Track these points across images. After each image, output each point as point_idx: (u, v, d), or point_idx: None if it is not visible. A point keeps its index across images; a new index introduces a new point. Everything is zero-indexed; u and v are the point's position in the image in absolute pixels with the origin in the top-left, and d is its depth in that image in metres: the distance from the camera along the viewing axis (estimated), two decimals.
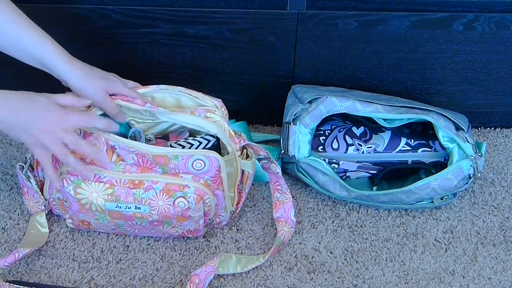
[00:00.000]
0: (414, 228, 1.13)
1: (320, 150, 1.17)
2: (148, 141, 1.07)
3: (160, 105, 1.05)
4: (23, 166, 1.07)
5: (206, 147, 1.07)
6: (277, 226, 1.11)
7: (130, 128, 1.07)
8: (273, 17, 1.15)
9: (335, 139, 1.17)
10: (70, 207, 1.03)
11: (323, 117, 1.12)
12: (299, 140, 1.13)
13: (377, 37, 1.18)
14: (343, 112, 1.11)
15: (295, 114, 1.13)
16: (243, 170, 1.08)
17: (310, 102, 1.13)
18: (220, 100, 1.07)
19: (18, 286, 0.99)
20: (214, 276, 1.03)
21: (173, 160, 1.00)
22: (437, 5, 1.14)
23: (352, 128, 1.18)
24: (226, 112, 1.07)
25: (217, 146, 1.07)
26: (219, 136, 1.04)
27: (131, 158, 1.01)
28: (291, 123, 1.13)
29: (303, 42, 1.18)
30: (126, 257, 1.08)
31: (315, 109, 1.11)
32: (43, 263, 1.06)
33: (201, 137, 1.07)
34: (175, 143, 1.08)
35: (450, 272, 1.07)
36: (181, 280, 1.04)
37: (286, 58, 1.20)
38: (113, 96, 1.03)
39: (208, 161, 1.00)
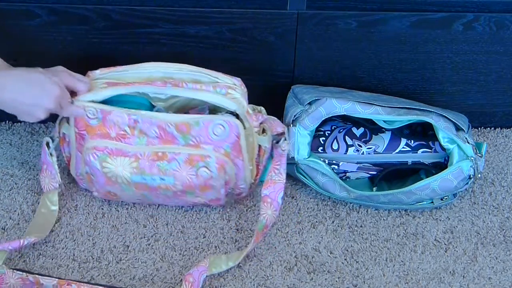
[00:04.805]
0: (414, 228, 1.13)
1: (320, 151, 1.17)
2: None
3: (182, 81, 1.07)
4: (49, 143, 1.10)
5: None
6: (261, 207, 1.08)
7: (153, 107, 1.09)
8: (273, 17, 1.15)
9: (335, 140, 1.17)
10: (97, 180, 1.08)
11: (323, 119, 1.12)
12: (299, 141, 1.13)
13: (377, 37, 1.17)
14: (343, 114, 1.11)
15: (294, 116, 1.13)
16: (260, 145, 1.10)
17: (310, 103, 1.13)
18: (239, 79, 1.09)
19: (21, 273, 1.01)
20: (207, 276, 1.03)
21: (195, 126, 1.03)
22: (437, 5, 1.14)
23: (352, 128, 1.18)
24: (245, 90, 1.09)
25: None
26: (238, 113, 1.06)
27: (153, 131, 1.04)
28: (291, 125, 1.13)
29: (303, 42, 1.18)
30: (126, 257, 1.08)
31: (315, 111, 1.11)
32: (43, 263, 1.06)
33: (221, 115, 1.08)
34: None
35: (450, 272, 1.07)
36: (181, 280, 1.04)
37: (286, 58, 1.20)
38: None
39: (228, 125, 1.04)
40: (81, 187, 1.17)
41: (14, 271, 1.01)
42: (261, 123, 1.09)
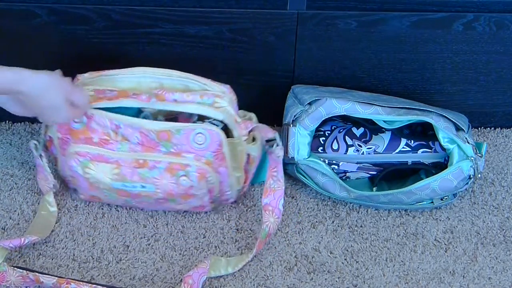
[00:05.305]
0: (414, 228, 1.14)
1: (320, 151, 1.17)
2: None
3: (168, 91, 1.06)
4: (37, 145, 1.10)
5: None
6: (263, 215, 1.09)
7: (142, 112, 1.08)
8: (273, 17, 1.15)
9: (335, 140, 1.17)
10: (80, 185, 1.08)
11: (323, 119, 1.12)
12: (299, 142, 1.13)
13: (377, 37, 1.17)
14: (343, 114, 1.11)
15: (294, 116, 1.13)
16: (248, 153, 1.09)
17: (310, 103, 1.13)
18: (228, 86, 1.09)
19: (22, 270, 1.01)
20: (206, 278, 1.03)
21: (176, 134, 1.02)
22: (437, 5, 1.14)
23: (352, 128, 1.18)
24: (234, 97, 1.09)
25: (225, 130, 1.08)
26: (226, 122, 1.06)
27: (135, 137, 1.03)
28: (291, 125, 1.13)
29: (303, 42, 1.18)
30: (126, 257, 1.08)
31: (315, 111, 1.11)
32: (43, 263, 1.06)
33: (209, 122, 1.08)
34: None
35: (450, 272, 1.07)
36: (181, 280, 1.04)
37: (286, 58, 1.20)
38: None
39: (209, 134, 1.03)
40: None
41: (15, 268, 1.01)
42: (250, 131, 1.09)
